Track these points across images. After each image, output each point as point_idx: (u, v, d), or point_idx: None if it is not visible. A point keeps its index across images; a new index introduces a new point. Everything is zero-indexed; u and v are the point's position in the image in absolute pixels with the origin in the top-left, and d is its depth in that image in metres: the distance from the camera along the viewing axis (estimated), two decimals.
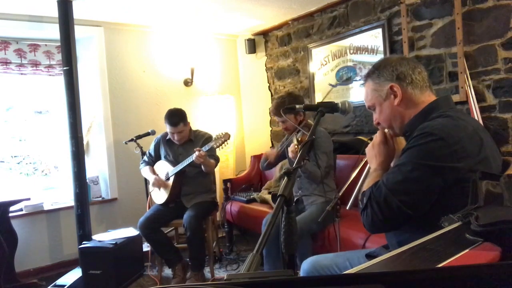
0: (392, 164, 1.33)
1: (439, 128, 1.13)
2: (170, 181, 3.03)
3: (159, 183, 3.07)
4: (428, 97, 1.28)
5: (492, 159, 1.18)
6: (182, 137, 3.05)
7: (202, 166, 2.95)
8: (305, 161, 2.39)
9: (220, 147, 2.82)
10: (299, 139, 2.38)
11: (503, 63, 2.50)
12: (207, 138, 3.06)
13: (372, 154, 1.35)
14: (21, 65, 3.46)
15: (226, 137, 2.79)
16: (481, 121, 2.52)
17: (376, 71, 1.32)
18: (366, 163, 1.45)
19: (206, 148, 2.81)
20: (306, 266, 1.62)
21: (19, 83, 3.61)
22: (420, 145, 1.13)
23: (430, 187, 1.11)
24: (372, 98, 1.34)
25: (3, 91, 3.57)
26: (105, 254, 2.72)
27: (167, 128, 3.04)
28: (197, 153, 2.78)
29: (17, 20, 3.26)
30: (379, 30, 3.23)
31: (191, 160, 2.84)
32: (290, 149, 2.44)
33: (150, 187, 3.27)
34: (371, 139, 1.53)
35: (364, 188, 1.27)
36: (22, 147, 3.72)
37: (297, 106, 1.60)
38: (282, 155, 2.86)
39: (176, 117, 2.97)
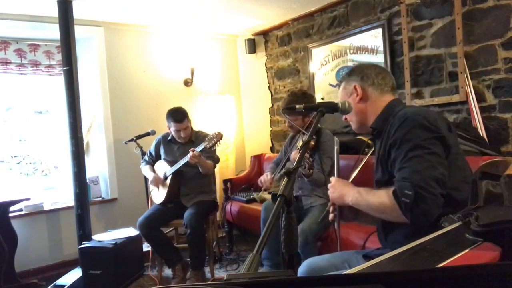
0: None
1: (416, 112, 1.28)
2: (168, 181, 3.04)
3: (157, 182, 3.08)
4: (388, 98, 1.46)
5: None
6: (187, 134, 3.07)
7: (199, 167, 2.95)
8: (312, 169, 2.36)
9: (214, 147, 2.82)
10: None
11: (503, 63, 2.50)
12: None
13: (338, 194, 1.45)
14: (21, 65, 3.45)
15: (218, 137, 2.79)
16: (481, 121, 2.52)
17: (348, 74, 1.55)
18: (365, 163, 1.47)
19: (199, 148, 2.81)
20: (303, 269, 1.60)
21: (19, 83, 3.60)
22: (413, 127, 1.24)
23: (442, 156, 1.22)
24: (341, 95, 1.57)
25: (3, 91, 3.57)
26: (105, 254, 2.72)
27: (171, 127, 3.04)
28: (191, 153, 2.79)
29: (17, 20, 3.26)
30: (379, 30, 3.23)
31: (186, 160, 2.85)
32: (292, 155, 2.41)
33: (150, 187, 3.27)
34: (371, 139, 1.55)
35: (374, 203, 1.29)
36: (22, 147, 3.72)
37: (297, 106, 1.58)
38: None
39: (180, 113, 3.00)
